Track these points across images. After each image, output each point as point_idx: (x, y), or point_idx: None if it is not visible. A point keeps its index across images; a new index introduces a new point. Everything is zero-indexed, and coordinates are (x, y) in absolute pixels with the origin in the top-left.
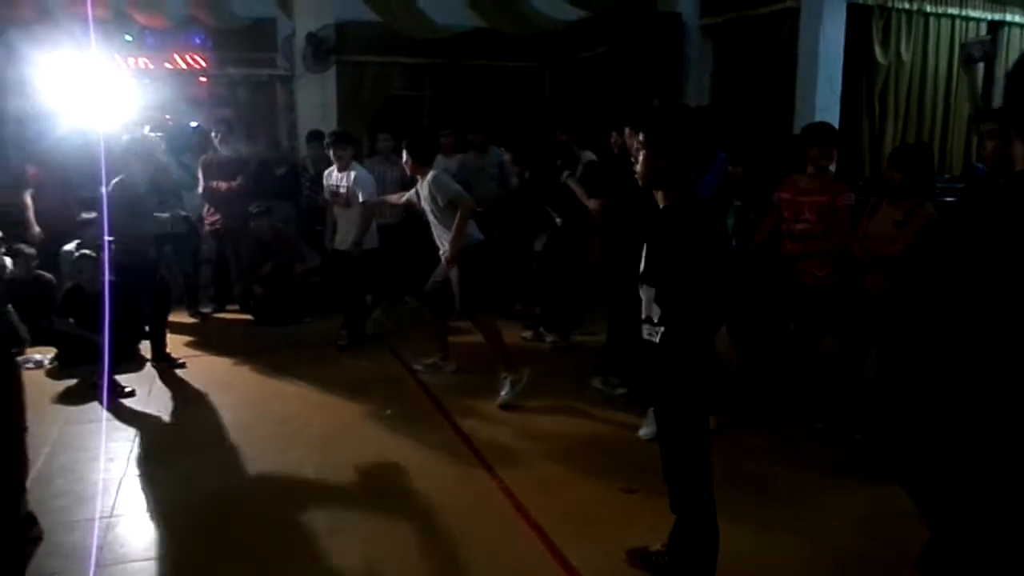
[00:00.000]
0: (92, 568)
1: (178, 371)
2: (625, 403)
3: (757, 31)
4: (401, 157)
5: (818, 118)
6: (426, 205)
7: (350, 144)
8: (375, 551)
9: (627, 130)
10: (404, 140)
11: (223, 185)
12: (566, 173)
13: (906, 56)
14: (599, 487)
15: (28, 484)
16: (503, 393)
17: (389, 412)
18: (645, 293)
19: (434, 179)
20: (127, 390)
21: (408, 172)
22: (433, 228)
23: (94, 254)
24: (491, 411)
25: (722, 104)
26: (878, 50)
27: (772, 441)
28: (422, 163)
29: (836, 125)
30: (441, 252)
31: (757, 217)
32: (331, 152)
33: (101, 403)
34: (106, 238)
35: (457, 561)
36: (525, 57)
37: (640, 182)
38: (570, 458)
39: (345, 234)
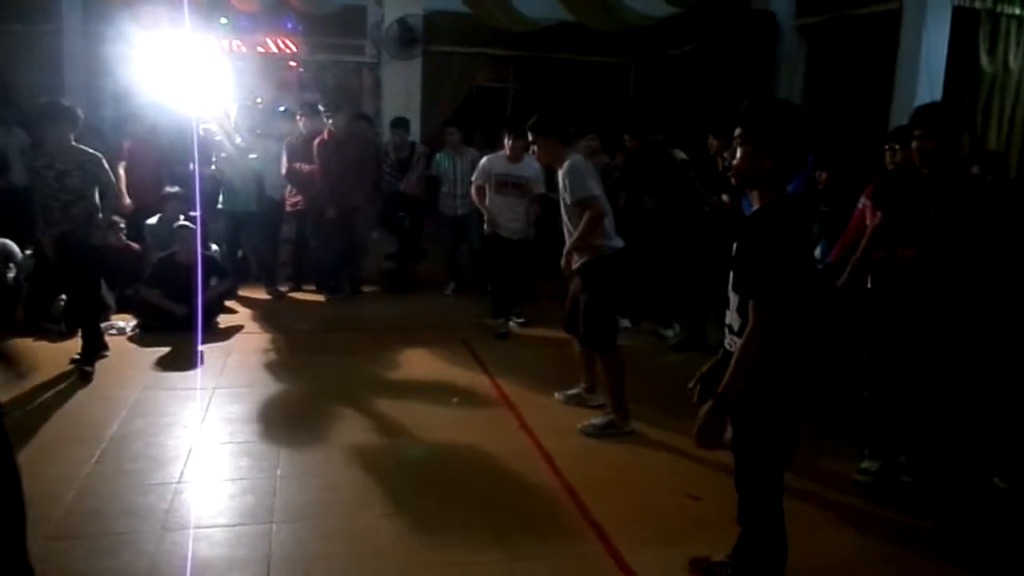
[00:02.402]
0: (162, 531)
1: (252, 345)
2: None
3: (855, 32)
4: (469, 149)
5: None
6: (562, 199)
7: (523, 136)
8: (432, 539)
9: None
10: (533, 119)
11: (305, 167)
12: (692, 174)
13: (1014, 64)
14: (664, 491)
15: (104, 445)
16: (595, 423)
17: (456, 400)
18: (731, 299)
19: (570, 169)
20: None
21: (539, 159)
22: (565, 230)
23: (192, 225)
24: (559, 409)
25: (814, 107)
26: (984, 57)
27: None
28: (565, 142)
29: None
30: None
31: (843, 224)
32: (508, 142)
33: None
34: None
35: (518, 558)
36: (612, 52)
37: (735, 180)
38: (636, 462)
39: (510, 221)
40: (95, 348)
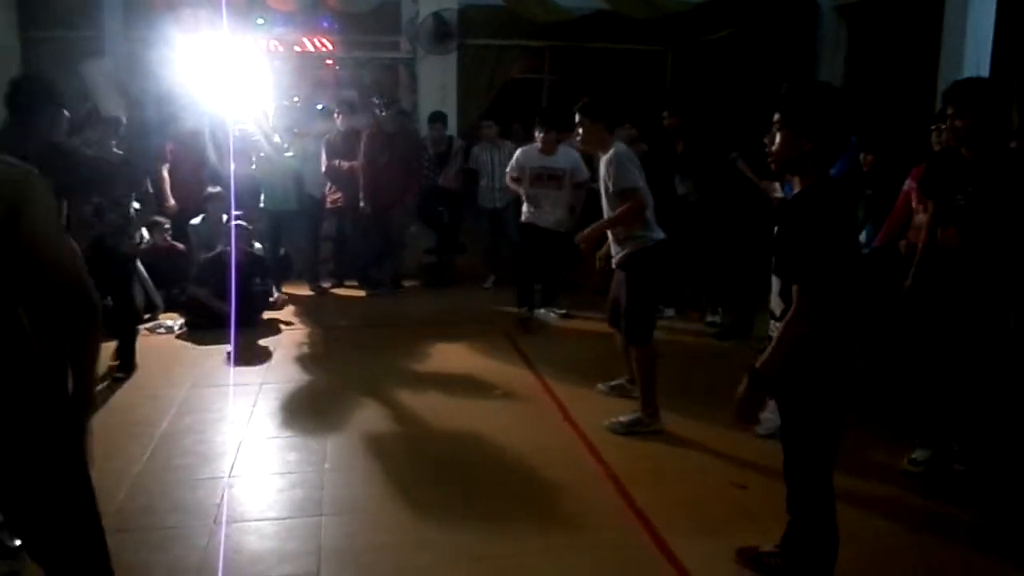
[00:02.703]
0: (212, 525)
1: (296, 341)
2: None
3: (897, 12)
4: (506, 142)
5: None
6: (601, 187)
7: (555, 128)
8: (479, 529)
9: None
10: (583, 101)
11: (344, 164)
12: (734, 154)
13: None
14: (709, 481)
15: (155, 442)
16: (622, 420)
17: (499, 392)
18: (774, 284)
19: (614, 157)
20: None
21: (582, 143)
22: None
23: (250, 225)
24: (601, 401)
25: (856, 89)
26: None
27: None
28: (609, 126)
29: None
30: (614, 253)
31: (889, 208)
32: (540, 135)
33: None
34: (235, 213)
35: (564, 548)
36: (647, 40)
37: (774, 166)
38: (680, 451)
39: (548, 213)
40: (130, 356)
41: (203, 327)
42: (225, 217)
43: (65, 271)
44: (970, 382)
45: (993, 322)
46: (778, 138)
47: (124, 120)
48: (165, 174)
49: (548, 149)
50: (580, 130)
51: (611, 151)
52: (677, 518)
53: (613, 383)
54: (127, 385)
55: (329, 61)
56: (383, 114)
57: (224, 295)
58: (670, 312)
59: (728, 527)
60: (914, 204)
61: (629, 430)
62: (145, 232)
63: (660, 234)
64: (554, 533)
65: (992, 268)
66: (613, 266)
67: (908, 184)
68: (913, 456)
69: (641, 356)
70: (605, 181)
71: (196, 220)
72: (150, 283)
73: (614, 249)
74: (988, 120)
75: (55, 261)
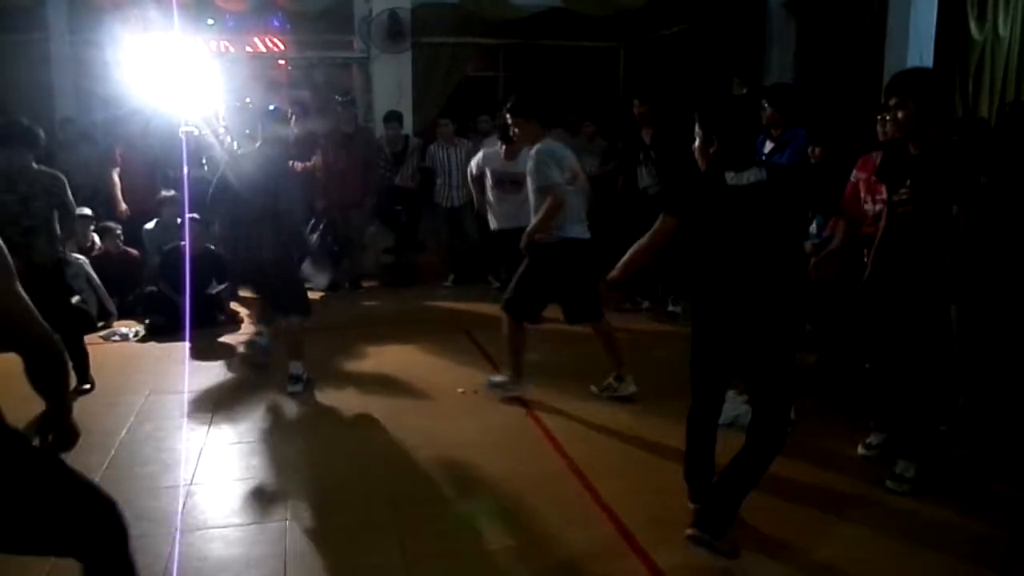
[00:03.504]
0: (176, 533)
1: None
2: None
3: (844, 7)
4: (464, 140)
5: None
6: (529, 182)
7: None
8: (445, 528)
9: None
10: (512, 100)
11: (298, 165)
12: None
13: (1004, 31)
14: (673, 473)
15: (114, 451)
16: (493, 379)
17: (462, 390)
18: None
19: (535, 154)
20: None
21: (517, 142)
22: (532, 212)
23: (198, 216)
24: (564, 394)
25: (805, 83)
26: (973, 25)
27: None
28: (543, 123)
29: None
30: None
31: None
32: (501, 146)
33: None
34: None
35: (530, 543)
36: (600, 37)
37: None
38: (645, 443)
39: (511, 216)
40: (84, 364)
41: (162, 330)
42: (179, 220)
43: (35, 324)
44: (915, 370)
45: (933, 313)
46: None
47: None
48: (116, 178)
49: (509, 155)
50: (515, 129)
51: (536, 147)
52: (642, 509)
53: (604, 385)
54: (83, 395)
55: (281, 61)
56: (342, 112)
57: (181, 289)
58: (646, 304)
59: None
60: (861, 195)
61: (495, 388)
62: (96, 238)
63: (575, 232)
64: (521, 528)
65: (930, 259)
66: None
67: (855, 175)
68: (868, 440)
69: (511, 326)
70: (528, 176)
71: (150, 225)
72: (103, 290)
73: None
74: (930, 109)
75: (23, 315)
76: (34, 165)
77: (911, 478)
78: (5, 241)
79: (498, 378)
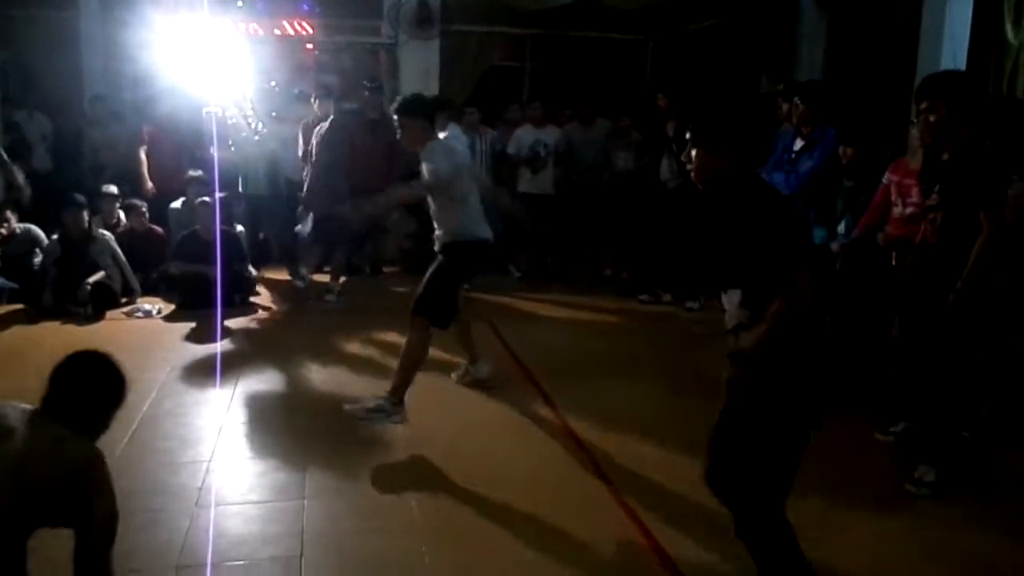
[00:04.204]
0: (194, 509)
1: (275, 327)
2: None
3: (877, 5)
4: (489, 129)
5: None
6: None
7: None
8: (461, 513)
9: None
10: (399, 101)
11: None
12: None
13: None
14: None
15: (135, 426)
16: (364, 404)
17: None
18: (730, 299)
19: (424, 151)
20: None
21: (405, 144)
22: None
23: (210, 200)
24: (583, 387)
25: (836, 82)
26: (1009, 29)
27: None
28: (431, 121)
29: None
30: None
31: (867, 199)
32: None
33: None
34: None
35: (551, 535)
36: (628, 29)
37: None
38: (667, 442)
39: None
40: None
41: (187, 307)
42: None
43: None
44: (944, 374)
45: (960, 319)
46: (695, 154)
47: None
48: (143, 157)
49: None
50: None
51: (428, 144)
52: (667, 516)
53: (461, 371)
54: None
55: (309, 45)
56: (369, 97)
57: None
58: (667, 298)
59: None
60: (892, 197)
61: (368, 416)
62: (122, 215)
63: (484, 233)
64: (541, 522)
65: (959, 264)
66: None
67: (887, 177)
68: (891, 429)
69: (416, 332)
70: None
71: (176, 203)
72: (127, 266)
73: (436, 234)
74: (962, 113)
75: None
76: None
77: (931, 482)
78: None
79: (370, 402)
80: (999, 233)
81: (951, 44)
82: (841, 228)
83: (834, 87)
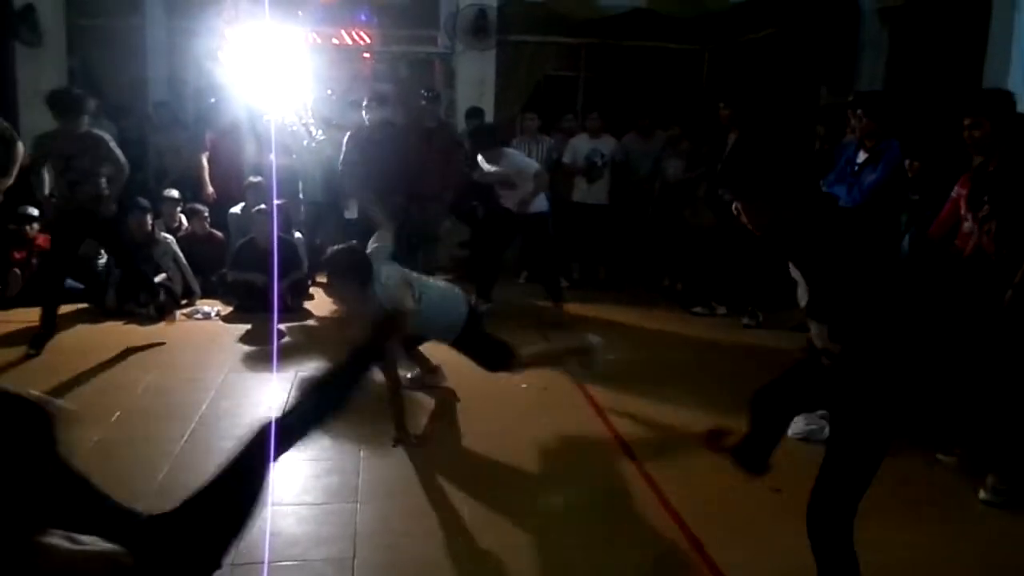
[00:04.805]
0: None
1: (331, 330)
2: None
3: (941, 16)
4: (546, 136)
5: None
6: None
7: None
8: (513, 518)
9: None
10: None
11: None
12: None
13: None
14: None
15: (194, 424)
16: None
17: (525, 386)
18: (817, 330)
19: None
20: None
21: None
22: None
23: (266, 208)
24: (637, 397)
25: (897, 93)
26: None
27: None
28: None
29: None
30: None
31: (933, 214)
32: None
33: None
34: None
35: (598, 543)
36: (685, 39)
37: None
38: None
39: None
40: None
41: (246, 310)
42: (259, 208)
43: None
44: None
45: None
46: (743, 214)
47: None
48: (205, 163)
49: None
50: None
51: None
52: (709, 518)
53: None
54: (165, 370)
55: (366, 54)
56: (426, 107)
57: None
58: (722, 310)
59: (761, 529)
60: (962, 211)
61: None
62: (184, 219)
63: None
64: (588, 527)
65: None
66: None
67: (956, 191)
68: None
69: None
70: None
71: (236, 209)
72: (188, 269)
73: None
74: (1006, 128)
75: None
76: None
77: (1004, 489)
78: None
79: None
80: None
81: (1020, 54)
82: (905, 243)
83: (897, 99)
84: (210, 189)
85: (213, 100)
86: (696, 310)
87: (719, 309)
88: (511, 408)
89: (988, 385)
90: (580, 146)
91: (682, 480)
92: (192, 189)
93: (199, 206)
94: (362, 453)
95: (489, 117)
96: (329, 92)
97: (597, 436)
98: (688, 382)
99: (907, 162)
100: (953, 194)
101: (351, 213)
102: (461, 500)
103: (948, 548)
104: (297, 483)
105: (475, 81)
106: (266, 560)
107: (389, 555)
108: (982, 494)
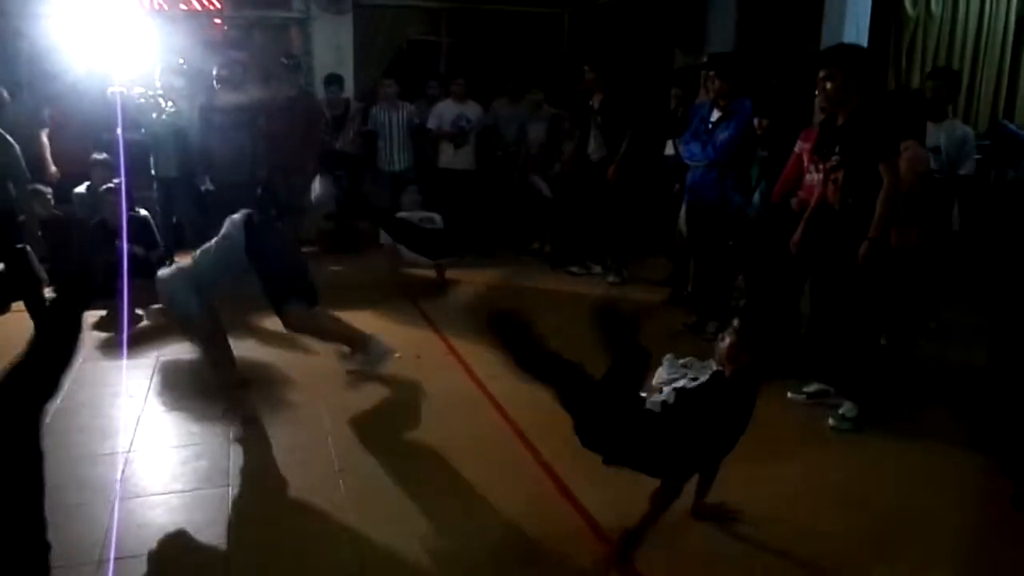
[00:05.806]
0: (115, 501)
1: None
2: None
3: None
4: (406, 103)
5: None
6: None
7: None
8: (389, 491)
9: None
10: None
11: None
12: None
13: (936, 9)
14: None
15: (48, 418)
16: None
17: (399, 355)
18: None
19: None
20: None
21: None
22: None
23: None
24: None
25: (747, 55)
26: (907, 2)
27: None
28: None
29: None
30: None
31: (781, 168)
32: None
33: (120, 336)
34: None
35: (476, 502)
36: (544, 3)
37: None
38: None
39: None
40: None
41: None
42: (107, 186)
43: None
44: (853, 322)
45: (869, 264)
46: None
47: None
48: (45, 140)
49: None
50: None
51: None
52: (576, 461)
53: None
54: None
55: (217, 20)
56: (286, 75)
57: (111, 263)
58: (597, 269)
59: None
60: (805, 164)
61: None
62: None
63: None
64: (465, 488)
65: (861, 226)
66: None
67: (799, 146)
68: (804, 389)
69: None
70: None
71: (81, 188)
72: (34, 255)
73: None
74: (856, 80)
75: None
76: None
77: (853, 417)
78: None
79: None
80: (898, 182)
81: (854, 18)
82: (755, 197)
83: (747, 60)
84: (53, 168)
85: (50, 70)
86: (572, 269)
87: (594, 268)
88: (387, 380)
89: (841, 323)
90: (446, 112)
91: (554, 434)
92: (32, 170)
93: (41, 187)
94: (231, 436)
95: (349, 84)
96: (181, 62)
97: (474, 401)
98: (559, 338)
99: (756, 120)
100: (796, 149)
101: (207, 186)
102: (337, 477)
103: (805, 480)
104: (163, 471)
105: (333, 47)
106: (137, 554)
107: (265, 539)
108: (830, 421)
